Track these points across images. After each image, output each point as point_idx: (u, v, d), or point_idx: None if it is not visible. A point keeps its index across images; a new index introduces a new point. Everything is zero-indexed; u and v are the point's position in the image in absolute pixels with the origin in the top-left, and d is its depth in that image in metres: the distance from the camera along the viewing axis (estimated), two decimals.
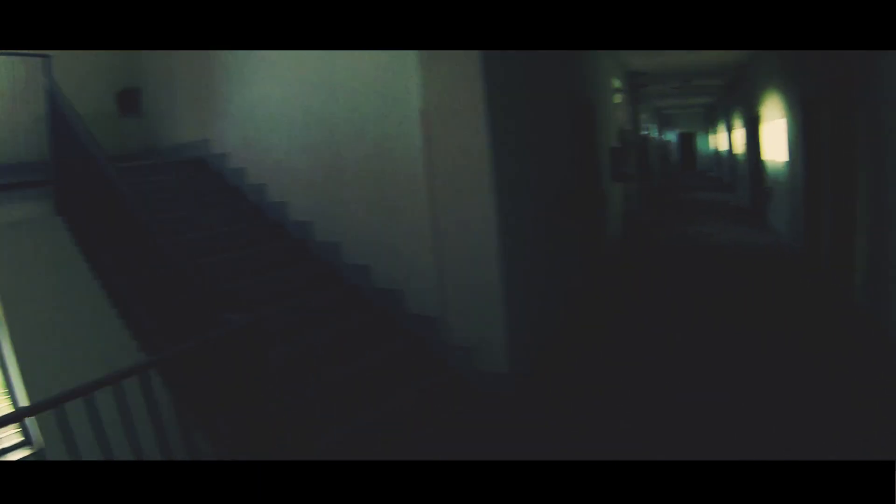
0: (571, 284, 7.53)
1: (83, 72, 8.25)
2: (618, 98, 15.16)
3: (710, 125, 33.50)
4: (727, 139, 23.57)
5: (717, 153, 30.13)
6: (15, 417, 2.81)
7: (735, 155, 21.02)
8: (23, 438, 6.18)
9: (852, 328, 6.39)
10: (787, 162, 11.17)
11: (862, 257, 6.75)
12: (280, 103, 6.84)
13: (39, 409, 2.77)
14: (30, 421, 6.07)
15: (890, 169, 5.77)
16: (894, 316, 5.62)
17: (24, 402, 6.01)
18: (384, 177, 5.89)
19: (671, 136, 35.85)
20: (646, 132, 20.81)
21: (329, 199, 6.49)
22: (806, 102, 9.17)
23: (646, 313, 7.34)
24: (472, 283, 5.38)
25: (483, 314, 5.40)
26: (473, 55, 5.02)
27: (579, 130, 8.96)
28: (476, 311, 5.43)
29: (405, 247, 5.81)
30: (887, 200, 5.81)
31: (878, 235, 6.15)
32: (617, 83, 13.77)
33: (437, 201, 5.39)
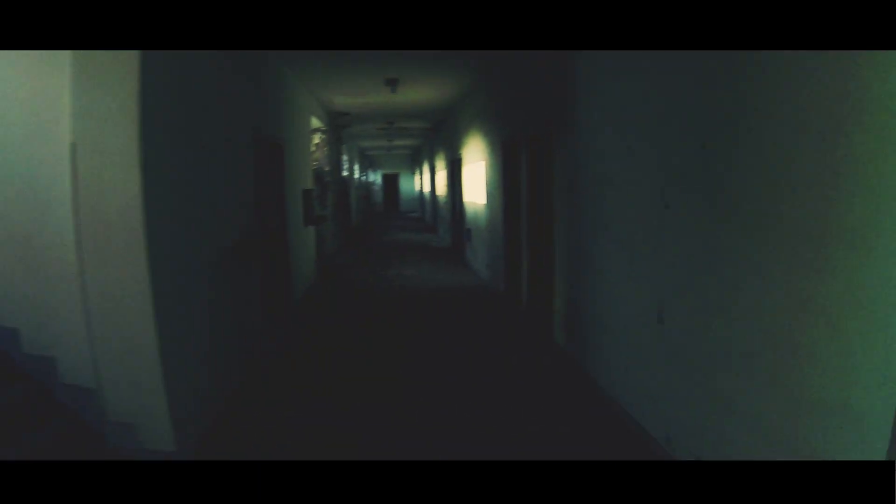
0: (254, 341, 6.67)
1: None
2: (317, 138, 14.67)
3: (414, 166, 34.45)
4: (430, 181, 24.07)
5: (420, 194, 30.90)
6: None
7: (437, 196, 21.44)
8: None
9: (553, 366, 6.34)
10: (485, 204, 11.21)
11: (561, 300, 6.72)
12: None
13: None
14: None
15: (579, 214, 5.85)
16: (590, 356, 5.78)
17: None
18: (31, 225, 4.65)
19: (375, 177, 36.41)
20: (347, 173, 20.61)
21: None
22: (505, 146, 9.18)
23: (338, 362, 6.62)
24: (127, 350, 4.33)
25: (140, 385, 4.35)
26: (133, 75, 4.03)
27: (265, 172, 8.19)
28: (133, 382, 4.37)
29: (57, 309, 4.65)
30: (580, 243, 5.91)
31: (574, 276, 6.17)
32: (317, 122, 13.21)
33: (87, 257, 4.27)
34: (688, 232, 3.81)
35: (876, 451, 2.20)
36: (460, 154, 14.49)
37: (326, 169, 14.94)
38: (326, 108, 14.02)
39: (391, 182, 37.61)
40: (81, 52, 4.03)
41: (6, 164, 4.58)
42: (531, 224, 7.93)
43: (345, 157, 19.78)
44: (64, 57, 4.11)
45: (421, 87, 11.45)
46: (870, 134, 2.28)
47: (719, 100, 3.38)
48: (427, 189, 26.16)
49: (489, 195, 10.78)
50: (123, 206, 4.09)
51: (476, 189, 12.28)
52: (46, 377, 4.79)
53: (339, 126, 17.08)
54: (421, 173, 29.69)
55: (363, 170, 30.69)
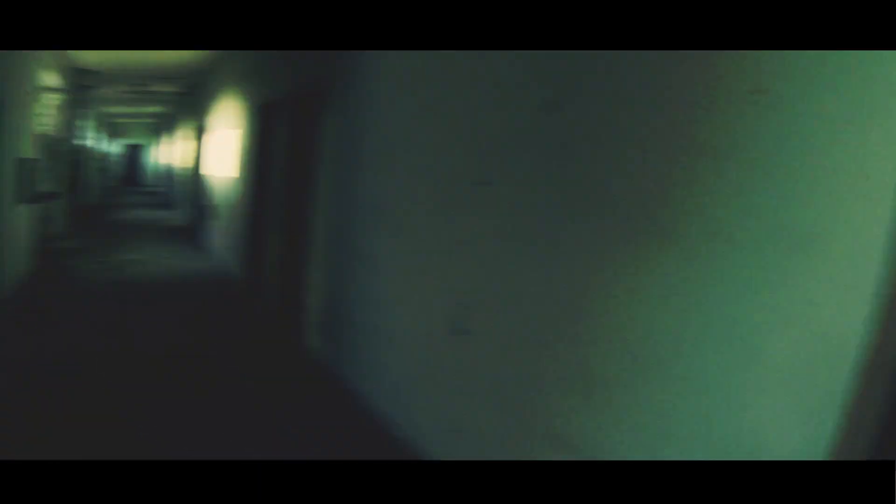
0: None
1: None
2: (54, 99, 13.10)
3: (161, 136, 32.31)
4: (176, 152, 22.48)
5: (166, 167, 28.91)
6: None
7: (180, 169, 20.04)
8: None
9: (307, 376, 5.50)
10: (233, 178, 10.04)
11: (314, 296, 5.85)
12: None
13: None
14: None
15: (352, 193, 4.91)
16: (358, 368, 4.84)
17: None
18: None
19: (118, 147, 33.85)
20: (82, 142, 18.74)
21: None
22: (262, 110, 8.02)
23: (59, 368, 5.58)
24: None
25: None
26: None
27: None
28: None
29: None
30: (350, 230, 4.96)
31: (339, 270, 5.23)
32: (53, 80, 11.72)
33: None
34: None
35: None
36: (210, 122, 13.04)
37: (54, 137, 13.31)
38: (67, 62, 12.45)
39: (135, 153, 35.01)
40: None
41: None
42: (286, 204, 6.89)
43: (83, 124, 17.95)
44: None
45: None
46: None
47: None
48: (174, 162, 24.26)
49: (238, 168, 9.61)
50: None
51: (224, 162, 10.98)
52: None
53: (85, 87, 15.38)
54: (168, 145, 27.61)
55: (106, 139, 28.37)
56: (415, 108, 3.99)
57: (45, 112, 12.61)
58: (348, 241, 4.97)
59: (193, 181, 15.54)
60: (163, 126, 29.37)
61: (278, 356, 5.98)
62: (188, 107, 18.24)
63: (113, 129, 31.63)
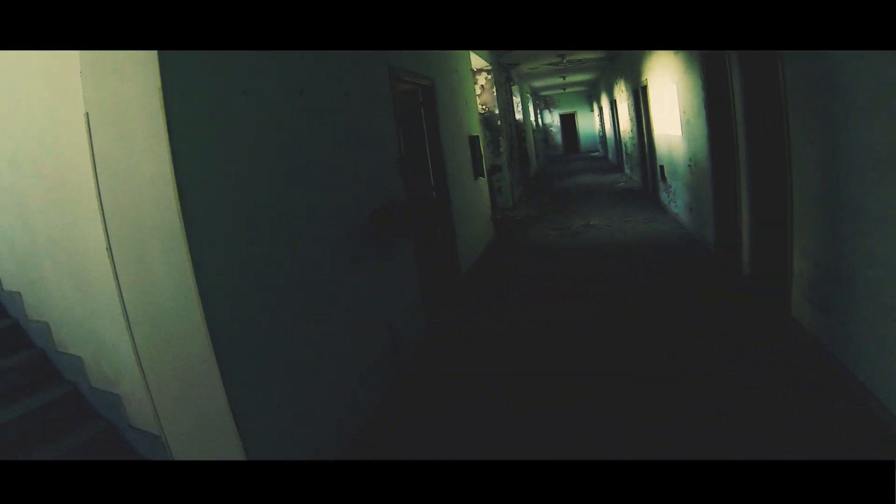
0: (408, 331, 5.43)
1: None
2: (482, 79, 13.28)
3: (592, 103, 32.45)
4: (611, 116, 22.13)
5: (602, 132, 28.87)
6: None
7: (621, 132, 19.53)
8: None
9: (790, 354, 4.59)
10: (682, 136, 9.33)
11: (802, 260, 4.91)
12: None
13: None
14: None
15: (845, 139, 3.91)
16: (848, 339, 3.96)
17: None
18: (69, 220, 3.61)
19: (552, 118, 34.80)
20: (521, 116, 19.12)
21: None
22: (707, 59, 7.25)
23: (514, 359, 5.25)
24: (177, 365, 3.12)
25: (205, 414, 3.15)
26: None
27: (413, 120, 6.88)
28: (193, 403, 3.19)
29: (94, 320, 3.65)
30: (841, 179, 4.02)
31: (828, 229, 4.35)
32: (479, 62, 11.79)
33: (117, 254, 3.09)
34: None
35: None
36: (645, 81, 12.43)
37: (496, 112, 13.52)
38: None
39: (569, 122, 35.63)
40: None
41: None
42: (752, 157, 6.06)
43: (517, 99, 18.28)
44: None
45: None
46: None
47: None
48: (608, 126, 24.06)
49: (687, 124, 8.82)
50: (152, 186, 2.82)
51: (669, 119, 10.29)
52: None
53: (507, 65, 15.59)
54: (600, 109, 27.51)
55: (538, 111, 29.19)
56: None
57: (480, 92, 12.87)
58: (846, 196, 4.05)
59: (635, 142, 14.97)
60: (592, 93, 29.43)
61: (761, 331, 5.26)
62: (616, 70, 18.05)
63: (544, 102, 32.53)
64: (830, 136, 4.17)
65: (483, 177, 9.85)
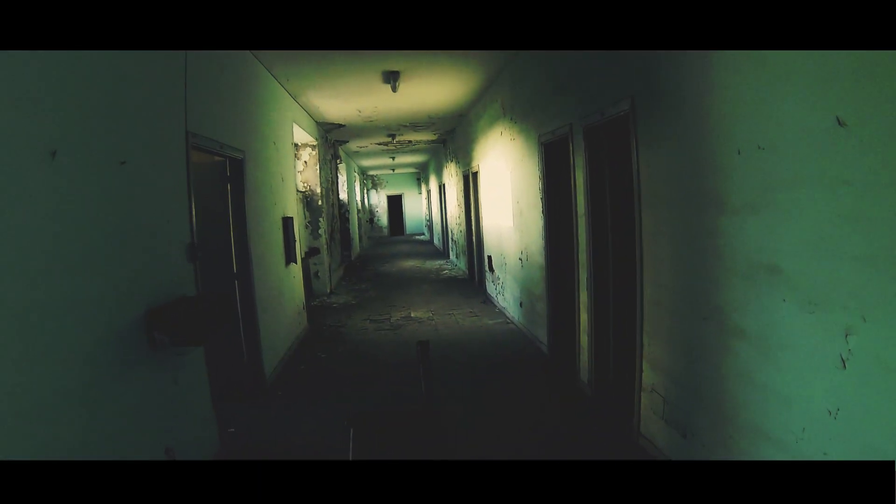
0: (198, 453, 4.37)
1: None
2: (306, 155, 12.49)
3: (420, 185, 32.54)
4: (440, 200, 21.90)
5: (429, 216, 28.77)
6: None
7: (448, 218, 19.24)
8: None
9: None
10: (513, 226, 8.85)
11: (653, 372, 4.44)
12: None
13: None
14: None
15: (710, 240, 3.43)
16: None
17: None
18: None
19: (378, 199, 34.66)
20: (346, 196, 18.46)
21: None
22: (548, 147, 6.81)
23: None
24: None
25: None
26: None
27: (213, 197, 5.93)
28: None
29: None
30: (705, 287, 3.54)
31: (686, 342, 3.88)
32: (304, 136, 10.99)
33: None
34: None
35: None
36: (476, 166, 12.14)
37: (318, 191, 12.67)
38: (315, 118, 11.77)
39: (396, 203, 35.50)
40: None
41: None
42: (596, 255, 5.53)
43: (343, 178, 17.58)
44: None
45: (427, 84, 9.22)
46: None
47: None
48: (436, 210, 23.87)
49: (520, 215, 8.38)
50: None
51: (500, 207, 9.89)
52: None
53: (335, 142, 14.89)
54: (429, 192, 27.44)
55: (365, 191, 28.81)
56: (822, 118, 2.57)
57: (304, 169, 12.06)
58: (711, 307, 3.59)
59: (463, 229, 14.63)
60: (423, 174, 29.51)
61: (605, 451, 4.69)
62: (447, 154, 17.88)
63: (372, 180, 32.28)
64: (694, 238, 3.69)
65: (296, 262, 8.90)
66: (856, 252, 2.37)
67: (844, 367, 2.46)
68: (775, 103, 2.80)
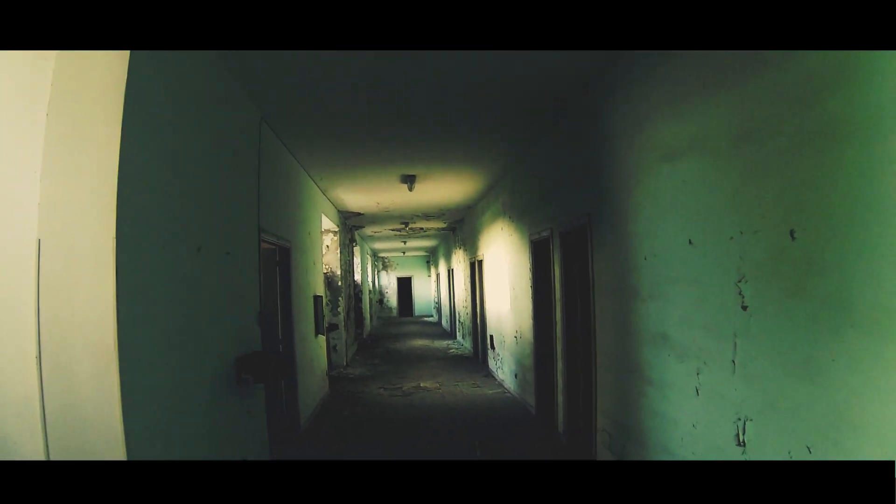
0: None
1: None
2: (329, 240, 14.00)
3: (430, 269, 33.71)
4: (448, 284, 23.29)
5: (437, 298, 30.03)
6: None
7: (456, 301, 20.63)
8: None
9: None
10: (510, 309, 10.36)
11: (603, 417, 5.84)
12: None
13: None
14: None
15: (629, 320, 5.02)
16: None
17: None
18: None
19: (388, 280, 35.74)
20: (360, 277, 19.90)
21: None
22: (535, 245, 8.42)
23: None
24: None
25: None
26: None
27: (272, 278, 7.41)
28: None
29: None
30: (630, 354, 5.07)
31: (620, 391, 5.34)
32: (328, 223, 12.57)
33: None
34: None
35: None
36: (481, 255, 13.74)
37: (338, 273, 14.21)
38: (338, 208, 13.40)
39: (405, 285, 36.78)
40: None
41: None
42: (567, 331, 7.08)
43: (357, 260, 19.11)
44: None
45: (439, 183, 10.85)
46: None
47: None
48: (444, 292, 25.27)
49: (515, 299, 9.95)
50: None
51: (499, 292, 11.47)
52: None
53: (352, 227, 16.47)
54: (438, 276, 28.87)
55: (376, 272, 30.09)
56: (682, 239, 4.10)
57: (325, 252, 13.53)
58: (631, 364, 5.09)
59: (469, 311, 16.12)
60: (432, 258, 30.75)
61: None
62: (455, 241, 19.37)
63: (383, 262, 33.56)
64: (624, 316, 5.20)
65: (322, 334, 10.34)
66: (701, 323, 3.87)
67: (698, 395, 3.93)
68: (661, 227, 4.38)
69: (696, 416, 4.00)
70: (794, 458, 2.92)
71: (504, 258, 10.77)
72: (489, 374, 12.86)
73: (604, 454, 5.82)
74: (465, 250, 16.94)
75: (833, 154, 2.62)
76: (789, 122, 2.91)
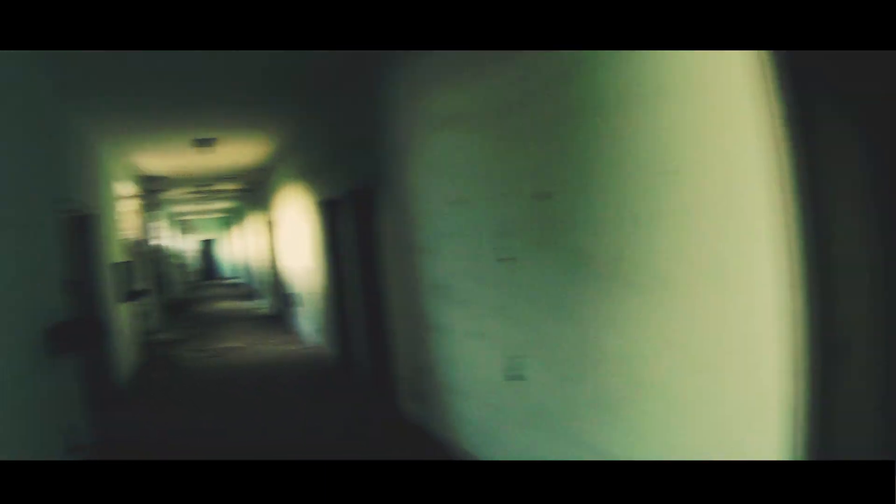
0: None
1: None
2: (130, 205, 13.81)
3: (232, 230, 33.19)
4: (250, 245, 23.23)
5: (242, 260, 29.73)
6: None
7: (256, 261, 20.77)
8: None
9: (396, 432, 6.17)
10: (309, 267, 10.90)
11: (402, 364, 6.54)
12: None
13: None
14: None
15: (415, 274, 5.73)
16: (442, 422, 5.53)
17: None
18: None
19: (190, 244, 34.89)
20: (160, 241, 19.59)
21: None
22: (326, 205, 8.97)
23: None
24: None
25: None
26: None
27: (77, 247, 7.51)
28: None
29: None
30: (418, 305, 5.76)
31: (411, 338, 6.08)
32: (130, 189, 12.45)
33: None
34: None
35: None
36: (279, 217, 14.10)
37: (143, 238, 14.08)
38: (139, 173, 13.24)
39: (209, 248, 36.12)
40: None
41: None
42: (365, 287, 7.70)
43: (162, 224, 18.80)
44: None
45: (235, 147, 11.17)
46: None
47: None
48: (247, 254, 25.13)
49: (312, 258, 10.49)
50: None
51: (298, 252, 11.96)
52: None
53: (155, 191, 16.19)
54: (240, 238, 28.53)
55: (177, 236, 29.37)
56: (451, 199, 4.81)
57: (129, 218, 13.35)
58: (416, 313, 5.80)
59: (272, 272, 16.34)
60: (234, 219, 30.24)
61: (377, 420, 6.67)
62: (255, 202, 19.44)
63: (184, 226, 32.68)
64: (409, 270, 5.88)
65: (132, 300, 10.39)
66: (471, 273, 4.59)
67: (474, 337, 4.63)
68: (435, 188, 5.10)
69: (474, 356, 4.70)
70: (563, 388, 3.53)
71: (300, 219, 11.21)
72: (293, 331, 13.38)
73: (405, 399, 6.54)
74: (264, 212, 17.10)
75: (586, 126, 3.10)
76: (547, 98, 3.40)
